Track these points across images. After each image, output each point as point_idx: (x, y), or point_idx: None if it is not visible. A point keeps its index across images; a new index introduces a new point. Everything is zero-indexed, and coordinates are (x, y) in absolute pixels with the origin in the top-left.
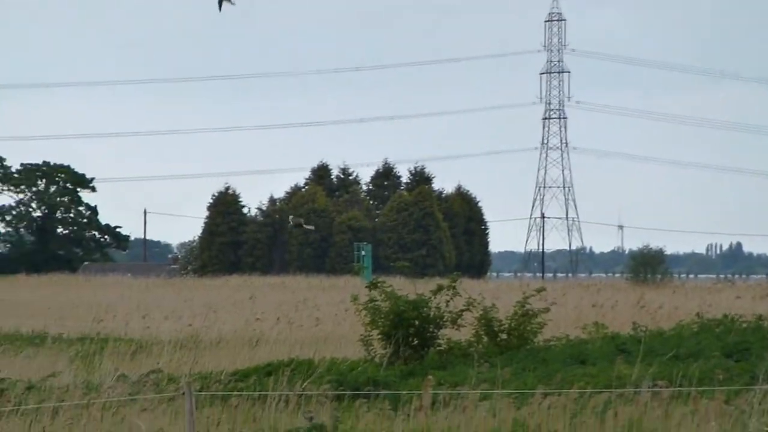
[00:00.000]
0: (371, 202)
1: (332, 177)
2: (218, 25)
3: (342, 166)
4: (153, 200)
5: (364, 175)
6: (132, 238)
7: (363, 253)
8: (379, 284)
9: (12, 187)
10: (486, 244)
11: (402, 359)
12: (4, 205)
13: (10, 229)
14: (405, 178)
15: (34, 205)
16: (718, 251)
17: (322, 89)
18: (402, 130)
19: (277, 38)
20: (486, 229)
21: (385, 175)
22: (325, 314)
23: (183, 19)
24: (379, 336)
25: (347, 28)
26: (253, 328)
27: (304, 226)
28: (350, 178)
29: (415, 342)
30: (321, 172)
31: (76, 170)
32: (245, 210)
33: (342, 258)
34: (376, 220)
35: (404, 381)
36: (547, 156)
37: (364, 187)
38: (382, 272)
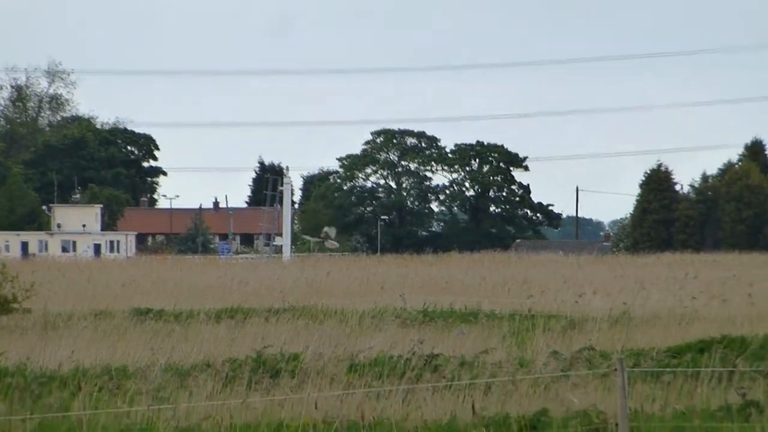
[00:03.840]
0: None
1: (767, 153)
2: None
3: None
4: (585, 178)
5: None
6: (564, 215)
7: None
8: None
9: (446, 167)
10: None
11: None
12: (438, 185)
13: (443, 208)
14: None
15: (467, 184)
16: None
17: (754, 65)
18: None
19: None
20: None
21: None
22: (758, 291)
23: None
24: None
25: None
26: (685, 305)
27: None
28: None
29: None
30: (755, 149)
31: (509, 149)
32: (678, 187)
33: None
34: None
35: None
36: None
37: None
38: None
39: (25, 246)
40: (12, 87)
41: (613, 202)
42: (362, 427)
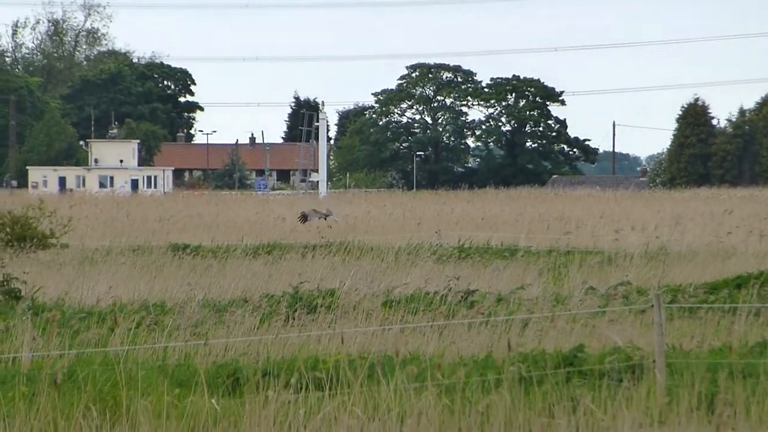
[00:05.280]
0: None
1: None
2: None
3: None
4: (622, 112)
5: None
6: (600, 151)
7: None
8: None
9: (482, 102)
10: None
11: None
12: (474, 120)
13: (479, 143)
14: None
15: (503, 119)
16: None
17: None
18: None
19: None
20: None
21: None
22: None
23: None
24: None
25: None
26: (722, 240)
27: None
28: None
29: None
30: None
31: (545, 84)
32: (714, 121)
33: None
34: None
35: None
36: None
37: None
38: None
39: (62, 181)
40: (49, 21)
41: (649, 137)
42: (398, 362)
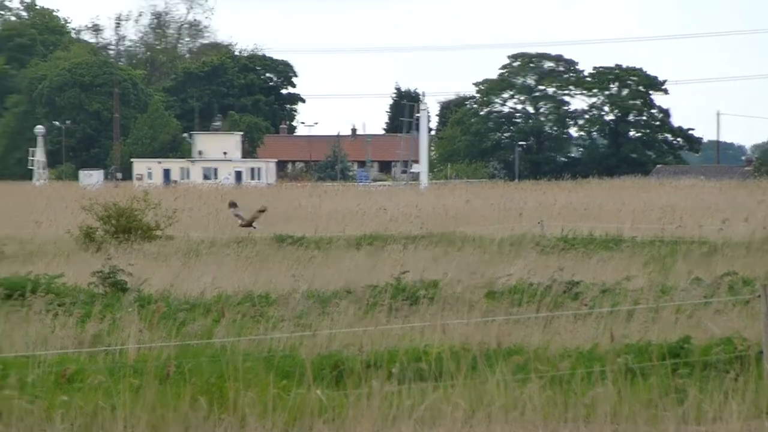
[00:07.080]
0: None
1: None
2: None
3: None
4: (727, 101)
5: None
6: (705, 140)
7: None
8: None
9: (585, 91)
10: None
11: None
12: (576, 110)
13: (582, 133)
14: None
15: (606, 108)
16: None
17: None
18: None
19: None
20: None
21: None
22: None
23: None
24: None
25: None
26: None
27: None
28: None
29: None
30: None
31: (648, 72)
32: None
33: None
34: None
35: None
36: None
37: None
38: None
39: (167, 173)
40: (151, 14)
41: (757, 126)
42: (501, 354)
